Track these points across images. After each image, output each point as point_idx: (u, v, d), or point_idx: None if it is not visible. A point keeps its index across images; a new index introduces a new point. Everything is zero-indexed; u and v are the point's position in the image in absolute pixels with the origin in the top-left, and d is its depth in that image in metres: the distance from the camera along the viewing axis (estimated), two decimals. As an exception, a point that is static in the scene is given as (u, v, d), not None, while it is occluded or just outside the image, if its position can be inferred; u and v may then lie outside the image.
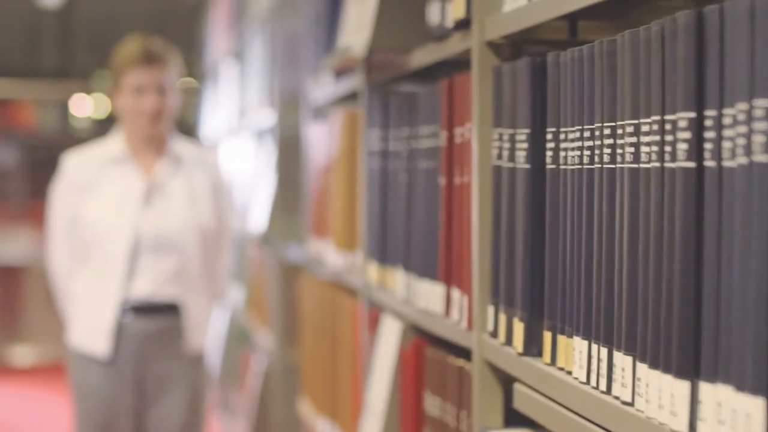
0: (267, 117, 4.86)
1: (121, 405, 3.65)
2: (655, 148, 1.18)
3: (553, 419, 1.46)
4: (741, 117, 1.00)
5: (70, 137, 12.66)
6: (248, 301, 5.57)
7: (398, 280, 2.29)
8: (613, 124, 1.30)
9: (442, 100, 1.98)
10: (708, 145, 1.07)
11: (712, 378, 1.06)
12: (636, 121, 1.23)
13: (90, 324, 3.65)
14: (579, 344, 1.39)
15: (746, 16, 0.99)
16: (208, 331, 3.80)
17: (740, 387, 1.00)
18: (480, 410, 1.76)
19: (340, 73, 3.10)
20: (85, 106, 12.96)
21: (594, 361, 1.35)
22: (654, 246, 1.18)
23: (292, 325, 4.54)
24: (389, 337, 2.33)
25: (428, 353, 2.08)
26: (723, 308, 1.04)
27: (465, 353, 1.93)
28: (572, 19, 1.74)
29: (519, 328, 1.58)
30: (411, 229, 2.19)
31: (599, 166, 1.34)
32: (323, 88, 3.27)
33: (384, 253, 2.43)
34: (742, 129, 1.00)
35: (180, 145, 3.79)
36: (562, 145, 1.46)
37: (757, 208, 0.97)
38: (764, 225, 0.97)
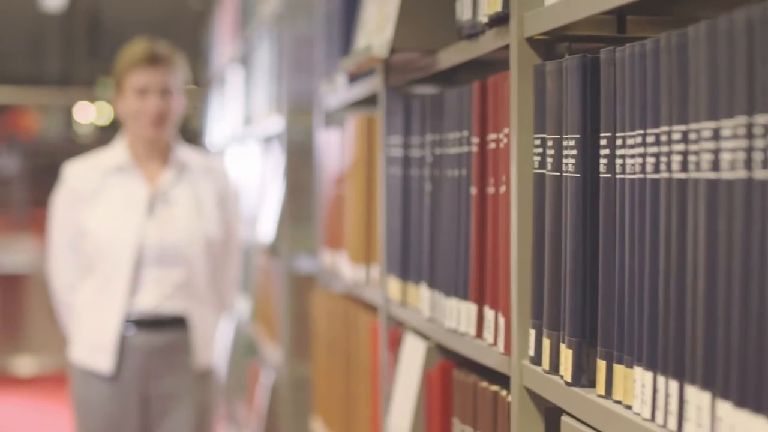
0: (274, 123, 4.71)
1: (126, 423, 3.49)
2: (740, 155, 1.02)
3: (610, 458, 1.30)
4: None
5: (73, 144, 12.58)
6: (255, 313, 5.42)
7: (422, 297, 2.13)
8: (685, 127, 1.14)
9: (474, 103, 1.82)
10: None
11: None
12: (715, 124, 1.07)
13: (92, 339, 3.50)
14: (641, 376, 1.24)
15: None
16: (216, 345, 3.64)
17: None
18: (519, 442, 1.61)
19: (356, 76, 2.96)
20: (88, 113, 12.87)
21: (660, 395, 1.19)
22: (740, 266, 1.02)
23: (301, 338, 4.39)
24: (413, 357, 2.17)
25: (457, 376, 1.93)
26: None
27: (499, 378, 1.77)
28: (620, 14, 1.58)
29: (567, 354, 1.43)
30: (436, 242, 2.03)
31: (666, 175, 1.18)
32: (337, 92, 3.12)
33: (405, 267, 2.27)
34: None
35: (185, 153, 3.64)
36: (620, 151, 1.30)
37: None
38: None
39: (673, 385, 1.16)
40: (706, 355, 1.09)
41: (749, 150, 1.01)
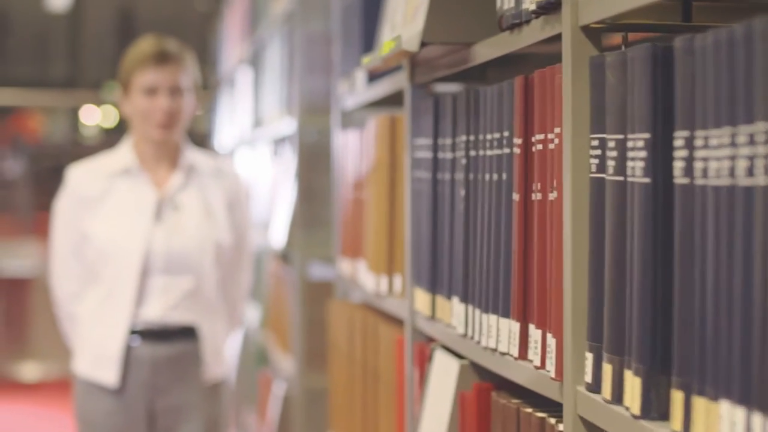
0: (286, 125, 4.55)
1: (131, 438, 3.33)
2: None
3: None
4: None
5: (79, 146, 12.48)
6: (265, 320, 5.25)
7: (454, 311, 1.97)
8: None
9: (516, 100, 1.66)
10: None
11: None
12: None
13: (97, 350, 3.34)
14: (729, 411, 1.07)
15: None
16: (226, 356, 3.48)
17: None
18: (572, 478, 1.44)
19: (376, 74, 2.80)
20: (93, 116, 12.77)
21: (756, 436, 1.02)
22: None
23: (314, 348, 4.22)
24: (444, 376, 2.00)
25: (496, 400, 1.76)
26: None
27: (544, 403, 1.61)
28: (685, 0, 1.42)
29: (634, 383, 1.26)
30: (472, 252, 1.87)
31: (763, 182, 1.02)
32: (356, 91, 2.95)
33: (435, 279, 2.11)
34: None
35: (194, 155, 3.47)
36: (701, 153, 1.13)
37: None
38: None
39: (774, 425, 1.00)
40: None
41: None
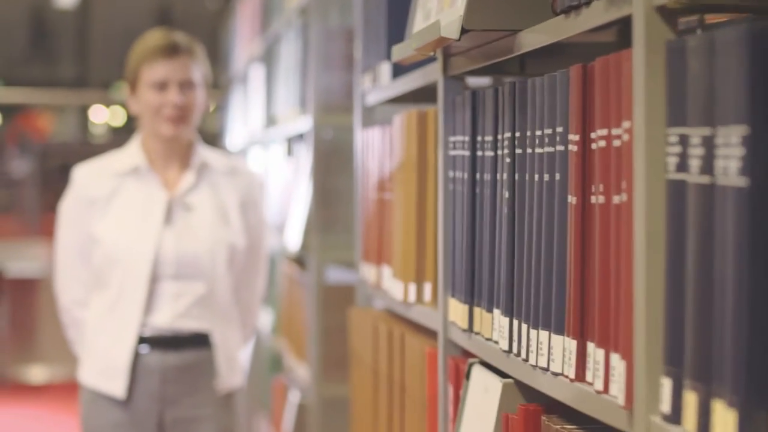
0: (301, 123, 4.38)
1: (140, 451, 3.17)
2: None
3: None
4: None
5: (87, 145, 12.38)
6: (278, 326, 5.08)
7: (496, 325, 1.79)
8: None
9: (572, 92, 1.49)
10: None
11: None
12: None
13: (104, 360, 3.17)
14: None
15: None
16: (240, 365, 3.30)
17: None
18: None
19: (403, 67, 2.63)
20: (102, 114, 12.69)
21: None
22: None
23: (331, 355, 4.05)
24: (484, 395, 1.83)
25: (548, 424, 1.59)
26: None
27: (605, 430, 1.43)
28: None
29: (727, 417, 1.08)
30: (518, 261, 1.69)
31: None
32: (380, 86, 2.78)
33: (473, 289, 1.93)
34: None
35: (207, 154, 3.30)
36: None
37: None
38: None
39: None
40: None
41: None
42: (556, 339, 1.53)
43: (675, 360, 1.21)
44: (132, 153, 3.25)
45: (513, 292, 1.72)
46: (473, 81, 2.30)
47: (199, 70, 3.23)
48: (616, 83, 1.36)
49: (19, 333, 9.62)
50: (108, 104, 12.59)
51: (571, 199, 1.49)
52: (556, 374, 1.54)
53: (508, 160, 1.73)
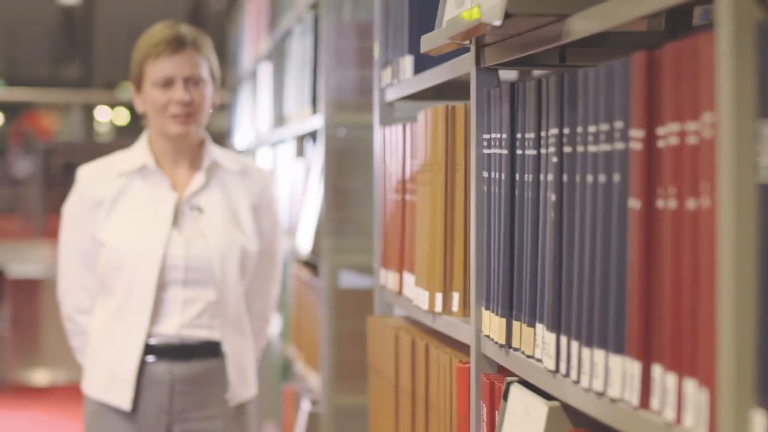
0: (311, 121, 4.22)
1: (146, 466, 3.00)
2: None
3: None
4: None
5: (92, 143, 12.29)
6: (287, 331, 4.91)
7: (540, 341, 1.63)
8: None
9: (635, 82, 1.32)
10: None
11: None
12: None
13: (109, 370, 3.01)
14: None
15: None
16: (253, 376, 3.13)
17: None
18: None
19: (424, 63, 2.47)
20: (106, 113, 12.61)
21: None
22: None
23: (343, 363, 3.89)
24: (526, 418, 1.66)
25: (602, 456, 1.42)
26: None
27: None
28: None
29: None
30: (567, 271, 1.53)
31: None
32: (401, 82, 2.61)
33: (511, 301, 1.77)
34: None
35: (217, 153, 3.13)
36: None
37: None
38: None
39: None
40: None
41: None
42: (615, 359, 1.36)
43: (769, 391, 1.04)
44: (139, 152, 3.09)
45: (560, 305, 1.55)
46: (502, 74, 2.13)
47: (206, 65, 3.06)
48: (691, 72, 1.19)
49: (22, 335, 9.53)
50: (113, 105, 12.50)
51: (634, 203, 1.32)
52: (614, 400, 1.37)
53: (554, 159, 1.57)
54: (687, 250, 1.20)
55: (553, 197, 1.57)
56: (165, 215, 3.01)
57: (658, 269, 1.27)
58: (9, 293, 9.42)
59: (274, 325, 5.22)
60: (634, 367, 1.32)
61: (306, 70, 4.42)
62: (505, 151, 1.78)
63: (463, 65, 2.04)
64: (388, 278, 2.70)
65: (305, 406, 4.17)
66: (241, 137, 7.55)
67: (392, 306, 2.80)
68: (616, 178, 1.37)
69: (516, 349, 1.75)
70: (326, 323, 3.91)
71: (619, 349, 1.36)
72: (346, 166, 4.00)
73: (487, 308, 1.89)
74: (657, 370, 1.27)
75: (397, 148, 2.58)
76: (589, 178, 1.45)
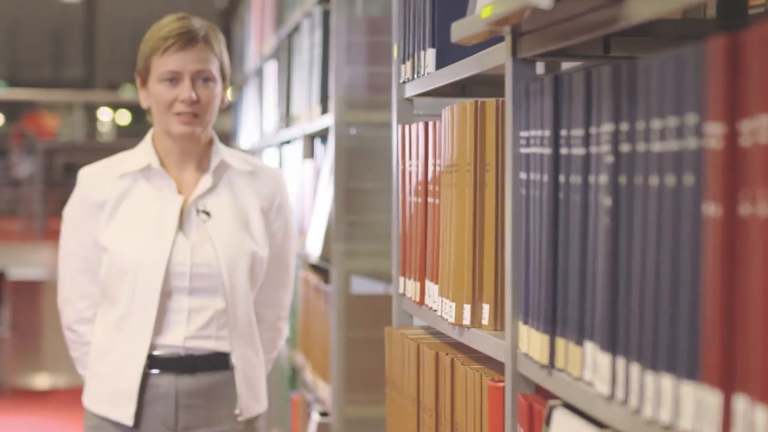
0: (321, 121, 4.06)
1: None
2: None
3: None
4: None
5: (93, 143, 12.20)
6: (295, 340, 4.74)
7: (591, 362, 1.46)
8: None
9: (713, 71, 1.15)
10: None
11: None
12: None
13: (110, 383, 2.84)
14: None
15: None
16: (264, 390, 2.96)
17: None
18: None
19: (446, 57, 2.30)
20: (108, 113, 12.52)
21: None
22: None
23: (355, 373, 3.73)
24: (573, 448, 1.49)
25: (671, 496, 1.25)
26: None
27: None
28: None
29: None
30: (624, 284, 1.36)
31: None
32: (422, 77, 2.44)
33: (554, 316, 1.60)
34: None
35: (226, 154, 2.96)
36: None
37: None
38: None
39: None
40: None
41: None
42: (687, 388, 1.19)
43: None
44: (142, 152, 2.92)
45: (616, 322, 1.38)
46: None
47: (216, 62, 2.88)
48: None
49: (23, 338, 9.45)
50: (115, 106, 12.41)
51: (711, 209, 1.15)
52: (685, 433, 1.20)
53: (609, 159, 1.40)
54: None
55: (607, 201, 1.40)
56: (170, 219, 2.84)
57: (743, 284, 1.10)
58: (9, 296, 9.34)
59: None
60: (712, 396, 1.14)
61: (315, 68, 4.25)
62: (547, 150, 1.61)
63: (496, 56, 1.87)
64: (407, 287, 2.53)
65: (315, 417, 4.00)
66: (246, 138, 7.39)
67: (411, 316, 2.63)
68: (689, 180, 1.20)
69: (561, 370, 1.58)
70: (337, 331, 3.74)
71: (692, 375, 1.19)
72: (358, 167, 3.84)
73: (525, 322, 1.72)
74: (740, 401, 1.10)
75: (419, 148, 2.41)
76: (653, 180, 1.28)
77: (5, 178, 12.87)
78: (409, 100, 2.66)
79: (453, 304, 2.08)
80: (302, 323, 4.52)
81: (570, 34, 1.63)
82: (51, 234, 9.58)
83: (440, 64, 2.36)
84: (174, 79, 2.84)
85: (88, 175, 2.92)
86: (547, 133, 1.61)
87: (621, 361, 1.36)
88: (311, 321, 4.30)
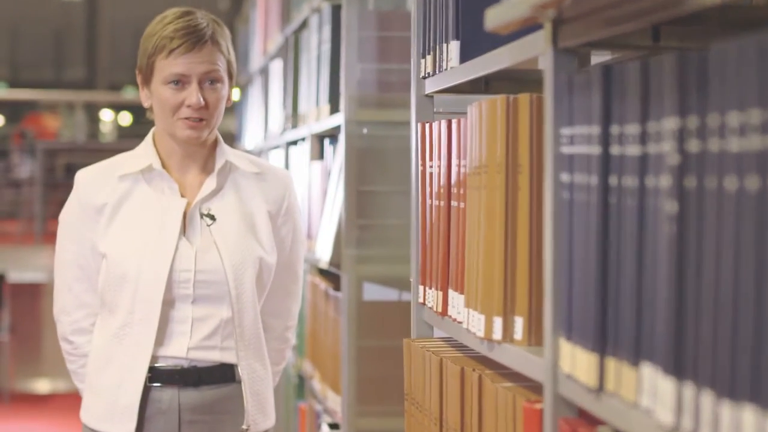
0: (330, 121, 3.91)
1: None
2: None
3: None
4: None
5: (97, 145, 12.13)
6: (302, 348, 4.58)
7: (649, 386, 1.29)
8: None
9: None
10: None
11: None
12: None
13: (109, 397, 2.68)
14: None
15: None
16: (271, 405, 2.80)
17: None
18: None
19: (477, 46, 2.15)
20: (109, 114, 12.44)
21: None
22: None
23: (365, 383, 3.58)
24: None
25: None
26: None
27: None
28: None
29: None
30: (693, 300, 1.20)
31: None
32: (446, 71, 2.28)
33: (604, 333, 1.43)
34: None
35: (232, 155, 2.80)
36: None
37: None
38: None
39: None
40: None
41: None
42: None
43: None
44: (143, 153, 2.75)
45: (683, 343, 1.22)
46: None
47: (224, 60, 2.71)
48: None
49: (23, 341, 9.36)
50: (116, 107, 12.33)
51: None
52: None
53: (675, 159, 1.23)
54: None
55: (671, 206, 1.24)
56: (172, 223, 2.68)
57: None
58: (9, 299, 9.26)
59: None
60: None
61: (323, 65, 4.10)
62: (595, 149, 1.45)
63: (533, 47, 1.71)
64: (428, 296, 2.37)
65: (325, 429, 3.84)
66: (250, 139, 7.25)
67: (431, 327, 2.47)
68: (776, 182, 1.04)
69: (612, 394, 1.42)
70: (348, 339, 3.58)
71: (781, 408, 1.03)
72: (370, 168, 3.69)
73: (568, 339, 1.55)
74: None
75: (441, 147, 2.25)
76: (731, 182, 1.12)
77: (5, 179, 12.77)
78: (429, 96, 2.50)
79: (482, 317, 1.92)
80: (310, 330, 4.37)
81: (617, 22, 1.47)
82: (51, 236, 9.47)
83: (464, 57, 2.20)
84: (180, 81, 2.67)
85: (85, 177, 2.76)
86: (596, 130, 1.45)
87: (689, 388, 1.20)
88: (319, 328, 4.14)
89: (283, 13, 5.47)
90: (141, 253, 2.65)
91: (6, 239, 11.65)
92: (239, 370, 2.70)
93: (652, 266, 1.30)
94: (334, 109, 3.91)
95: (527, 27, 1.72)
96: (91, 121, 13.40)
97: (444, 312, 2.23)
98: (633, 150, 1.35)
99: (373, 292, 3.60)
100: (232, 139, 8.60)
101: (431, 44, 2.38)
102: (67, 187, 2.84)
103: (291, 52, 5.03)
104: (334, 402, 3.77)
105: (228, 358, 2.69)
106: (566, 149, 1.57)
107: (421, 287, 2.43)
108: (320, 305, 4.12)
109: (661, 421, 1.26)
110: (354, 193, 3.66)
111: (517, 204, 1.84)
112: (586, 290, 1.48)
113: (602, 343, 1.43)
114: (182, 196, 2.72)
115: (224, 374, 2.70)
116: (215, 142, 2.78)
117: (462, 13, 2.19)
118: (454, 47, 2.22)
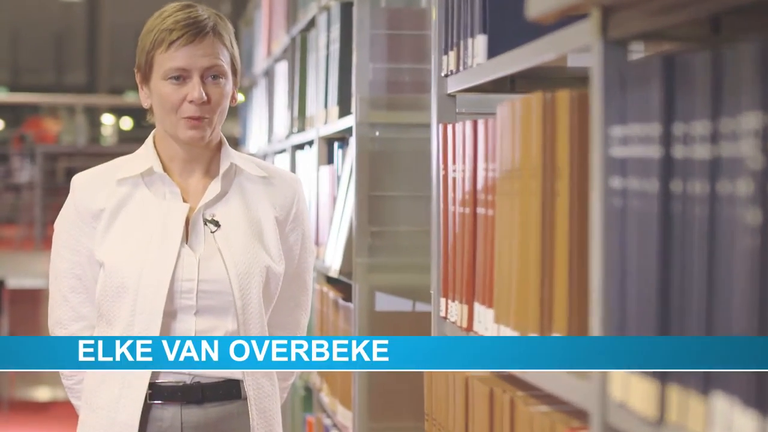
0: (340, 123, 3.77)
1: None
2: None
3: None
4: None
5: (97, 148, 12.08)
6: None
7: (721, 419, 1.13)
8: None
9: None
10: None
11: None
12: None
13: (108, 415, 2.54)
14: None
15: None
16: (278, 422, 2.65)
17: None
18: None
19: (498, 46, 2.00)
20: (110, 117, 12.38)
21: None
22: None
23: (379, 399, 3.43)
24: None
25: None
26: None
27: None
28: None
29: None
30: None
31: None
32: (471, 68, 2.13)
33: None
34: None
35: (236, 158, 2.64)
36: None
37: None
38: None
39: None
40: None
41: None
42: None
43: None
44: (143, 156, 2.60)
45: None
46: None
47: (227, 54, 2.56)
48: None
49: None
50: (117, 110, 12.26)
51: None
52: None
53: (758, 162, 1.07)
54: None
55: (755, 216, 1.08)
56: (174, 230, 2.52)
57: None
58: (9, 305, 9.21)
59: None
60: None
61: (333, 66, 3.96)
62: (655, 151, 1.29)
63: (577, 38, 1.55)
64: (450, 309, 2.21)
65: (332, 444, 3.70)
66: (255, 143, 7.13)
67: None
68: None
69: (672, 425, 1.25)
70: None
71: None
72: (382, 173, 3.55)
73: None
74: None
75: (466, 150, 2.09)
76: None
77: (5, 183, 12.68)
78: (452, 96, 2.34)
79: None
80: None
81: (673, 10, 1.31)
82: (51, 242, 9.44)
83: (492, 53, 2.05)
84: (181, 77, 2.52)
85: (82, 181, 2.61)
86: (655, 129, 1.29)
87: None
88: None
89: (289, 13, 5.34)
90: (141, 261, 2.50)
91: (5, 244, 11.56)
92: (245, 386, 2.55)
93: (728, 284, 1.13)
94: (344, 110, 3.77)
95: (564, 19, 1.57)
96: (92, 125, 13.31)
97: (470, 327, 2.07)
98: (702, 152, 1.19)
99: (386, 303, 3.46)
100: (236, 143, 8.49)
101: (454, 39, 2.23)
102: (67, 191, 2.69)
103: (297, 52, 4.90)
104: (344, 417, 3.62)
105: (233, 373, 2.55)
106: (617, 151, 1.41)
107: (442, 300, 2.27)
108: (329, 315, 3.97)
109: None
110: (365, 198, 3.52)
111: (555, 211, 1.68)
112: (643, 310, 1.32)
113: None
114: (185, 200, 2.57)
115: (229, 391, 2.56)
116: (219, 144, 2.63)
117: (490, 3, 2.04)
118: (480, 42, 2.06)
